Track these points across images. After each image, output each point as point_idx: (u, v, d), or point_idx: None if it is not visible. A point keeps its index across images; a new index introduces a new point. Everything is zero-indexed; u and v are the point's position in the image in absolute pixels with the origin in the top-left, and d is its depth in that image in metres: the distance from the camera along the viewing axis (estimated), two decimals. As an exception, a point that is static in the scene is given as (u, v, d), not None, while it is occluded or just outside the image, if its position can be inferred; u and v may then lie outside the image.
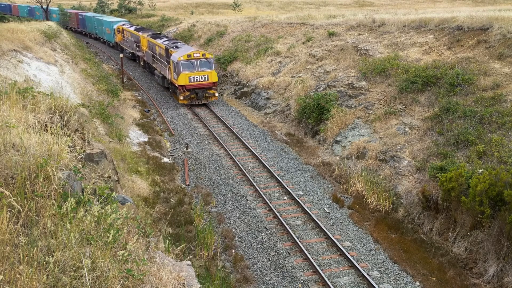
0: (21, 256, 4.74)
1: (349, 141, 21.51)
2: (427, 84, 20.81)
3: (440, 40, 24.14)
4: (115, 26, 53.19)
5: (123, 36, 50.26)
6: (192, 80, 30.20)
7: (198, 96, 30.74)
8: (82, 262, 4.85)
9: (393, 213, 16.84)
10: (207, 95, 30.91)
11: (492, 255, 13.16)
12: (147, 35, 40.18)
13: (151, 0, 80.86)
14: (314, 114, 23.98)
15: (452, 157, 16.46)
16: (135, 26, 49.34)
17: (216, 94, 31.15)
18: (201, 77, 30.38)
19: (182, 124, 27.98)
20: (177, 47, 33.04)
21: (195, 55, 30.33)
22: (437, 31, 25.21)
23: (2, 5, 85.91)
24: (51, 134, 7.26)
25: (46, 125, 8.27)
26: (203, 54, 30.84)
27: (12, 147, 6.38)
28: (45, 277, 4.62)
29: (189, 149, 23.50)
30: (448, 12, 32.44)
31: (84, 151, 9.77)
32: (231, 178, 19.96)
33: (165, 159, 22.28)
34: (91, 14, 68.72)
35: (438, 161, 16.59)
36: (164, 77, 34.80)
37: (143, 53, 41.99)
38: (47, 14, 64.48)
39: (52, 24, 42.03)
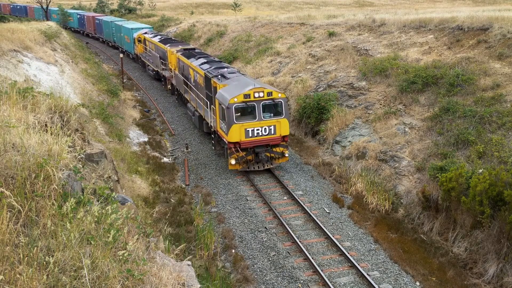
0: (21, 256, 4.74)
1: (349, 141, 21.51)
2: (427, 84, 20.81)
3: (440, 40, 24.14)
4: (135, 34, 43.95)
5: (145, 48, 40.94)
6: (250, 135, 19.18)
7: (259, 158, 19.80)
8: (82, 262, 4.85)
9: (393, 213, 16.84)
10: (272, 155, 19.95)
11: (492, 255, 13.15)
12: (177, 51, 30.30)
13: (151, 0, 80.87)
14: (314, 114, 23.98)
15: (452, 157, 16.46)
16: (160, 36, 39.42)
17: (286, 154, 20.21)
18: (265, 129, 19.37)
19: (181, 124, 27.98)
20: (224, 76, 21.77)
21: (256, 94, 18.99)
22: (437, 31, 25.21)
23: (18, 7, 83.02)
24: (51, 134, 7.26)
25: (46, 125, 8.27)
26: (269, 93, 19.28)
27: (12, 147, 6.38)
28: (45, 277, 4.62)
29: (189, 149, 23.50)
30: (448, 12, 32.46)
31: (84, 151, 9.77)
32: (231, 178, 19.96)
33: (165, 159, 22.28)
34: (108, 18, 59.65)
35: (438, 161, 16.58)
36: (201, 118, 24.06)
37: (171, 73, 32.15)
38: (47, 14, 64.38)
39: (52, 24, 42.02)
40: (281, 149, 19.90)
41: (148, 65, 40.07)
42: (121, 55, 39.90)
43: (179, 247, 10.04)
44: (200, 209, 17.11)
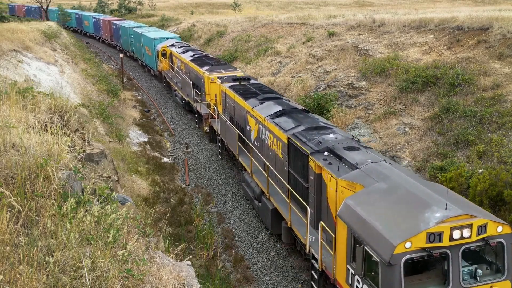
0: (21, 256, 4.74)
1: (349, 141, 21.40)
2: (427, 84, 20.81)
3: (440, 40, 24.14)
4: (158, 46, 34.74)
5: (171, 66, 31.59)
6: None
7: None
8: (82, 262, 4.85)
9: (393, 213, 16.80)
10: None
11: (493, 256, 12.93)
12: (222, 81, 20.52)
13: (151, 0, 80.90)
14: (314, 114, 23.99)
15: (452, 157, 16.46)
16: (192, 52, 29.03)
17: None
18: None
19: (181, 124, 27.98)
20: (339, 157, 11.19)
21: (456, 234, 7.98)
22: (437, 31, 25.22)
23: (33, 9, 78.83)
24: (51, 134, 7.27)
25: (46, 125, 8.27)
26: (482, 228, 8.16)
27: (12, 147, 6.38)
28: (45, 277, 4.62)
29: (189, 149, 23.50)
30: (448, 12, 32.45)
31: (84, 151, 9.78)
32: (231, 178, 19.96)
33: (165, 159, 22.28)
34: (127, 23, 49.91)
35: (438, 161, 16.59)
36: (290, 229, 13.29)
37: (210, 111, 22.79)
38: (46, 14, 64.22)
39: (52, 24, 42.02)
40: None
41: (176, 89, 30.20)
42: (121, 55, 39.86)
43: (179, 247, 10.04)
44: (200, 209, 17.12)
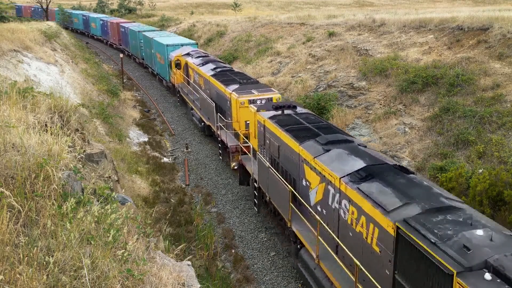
0: (21, 256, 4.74)
1: (349, 141, 21.36)
2: (427, 84, 20.82)
3: (440, 40, 24.15)
4: (172, 54, 30.23)
5: (187, 79, 27.12)
6: None
7: None
8: (82, 262, 4.85)
9: (393, 213, 16.79)
10: None
11: (493, 256, 12.74)
12: (260, 109, 15.46)
13: (151, 0, 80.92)
14: (314, 114, 23.99)
15: (452, 157, 16.47)
16: (214, 65, 23.94)
17: None
18: None
19: (181, 124, 27.98)
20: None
21: None
22: (437, 31, 25.22)
23: (39, 9, 73.13)
24: (51, 134, 7.27)
25: (46, 125, 8.28)
26: None
27: (12, 147, 6.38)
28: (45, 277, 4.62)
29: (189, 149, 23.50)
30: (448, 12, 32.45)
31: (84, 151, 9.78)
32: (231, 178, 19.96)
33: (165, 159, 22.29)
34: (136, 26, 46.41)
35: (438, 161, 16.59)
36: None
37: (241, 141, 17.82)
38: (46, 14, 64.13)
39: (52, 24, 42.02)
40: None
41: (193, 108, 25.37)
42: (121, 55, 39.82)
43: (179, 247, 10.04)
44: (200, 209, 17.12)
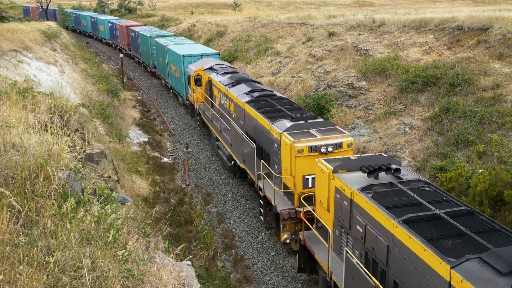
0: (21, 256, 4.74)
1: (349, 141, 21.34)
2: (427, 84, 20.82)
3: (440, 40, 24.15)
4: (190, 69, 24.70)
5: (211, 101, 21.66)
6: None
7: None
8: (82, 262, 4.85)
9: (393, 213, 16.78)
10: None
11: (493, 256, 12.75)
12: (339, 169, 10.11)
13: (151, 0, 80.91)
14: (314, 114, 23.97)
15: (452, 157, 16.46)
16: (247, 86, 18.27)
17: None
18: None
19: (181, 124, 27.97)
20: None
21: None
22: (437, 31, 25.22)
23: (48, 10, 69.21)
24: (51, 134, 7.27)
25: (46, 125, 8.28)
26: None
27: (12, 147, 6.38)
28: (45, 277, 4.62)
29: (189, 149, 23.50)
30: (448, 12, 32.45)
31: (84, 151, 9.78)
32: (231, 178, 19.96)
33: (165, 159, 22.28)
34: (148, 30, 41.78)
35: (438, 161, 16.59)
36: None
37: (303, 212, 11.89)
38: (46, 14, 64.03)
39: (52, 24, 42.01)
40: None
41: (218, 139, 20.33)
42: (121, 55, 39.80)
43: (179, 247, 10.04)
44: (200, 209, 17.12)
